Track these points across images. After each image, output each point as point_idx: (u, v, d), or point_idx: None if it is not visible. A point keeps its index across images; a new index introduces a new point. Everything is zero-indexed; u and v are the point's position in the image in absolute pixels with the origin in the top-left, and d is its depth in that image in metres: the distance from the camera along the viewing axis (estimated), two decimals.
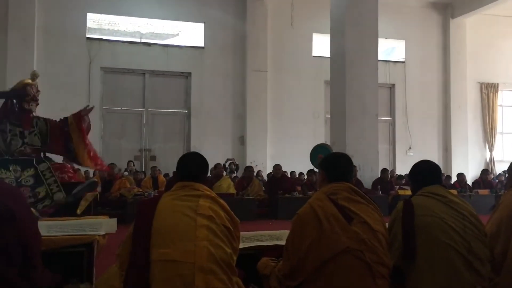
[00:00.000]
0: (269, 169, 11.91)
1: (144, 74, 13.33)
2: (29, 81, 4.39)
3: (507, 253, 2.54)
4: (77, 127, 4.44)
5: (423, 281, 2.36)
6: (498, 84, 15.48)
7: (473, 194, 10.10)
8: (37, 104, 4.44)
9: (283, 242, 2.45)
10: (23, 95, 4.35)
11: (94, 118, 12.56)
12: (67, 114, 12.05)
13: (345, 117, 10.23)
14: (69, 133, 4.46)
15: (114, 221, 2.94)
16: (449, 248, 2.35)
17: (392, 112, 15.06)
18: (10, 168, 4.01)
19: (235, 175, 11.71)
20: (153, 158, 12.96)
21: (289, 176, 11.43)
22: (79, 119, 4.49)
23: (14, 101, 4.49)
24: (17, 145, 4.24)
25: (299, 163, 11.88)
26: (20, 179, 4.06)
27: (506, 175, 5.75)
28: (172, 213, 2.15)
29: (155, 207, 2.18)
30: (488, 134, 15.36)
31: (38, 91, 4.48)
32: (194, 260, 2.02)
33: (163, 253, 2.04)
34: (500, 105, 15.74)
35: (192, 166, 2.38)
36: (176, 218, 2.13)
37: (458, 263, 2.33)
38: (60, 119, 4.83)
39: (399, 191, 9.69)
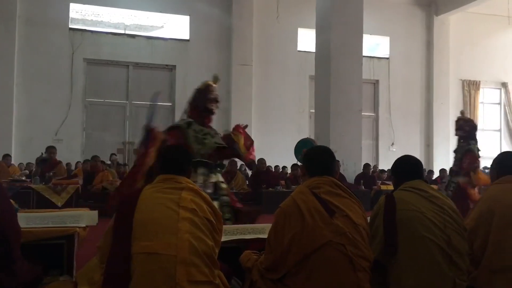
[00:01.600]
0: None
1: (128, 66, 13.19)
2: (211, 82, 4.21)
3: (486, 247, 2.59)
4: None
5: (404, 274, 2.39)
6: (479, 81, 15.70)
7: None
8: (217, 107, 4.19)
9: (266, 235, 2.45)
10: (206, 94, 4.13)
11: (76, 110, 12.50)
12: (49, 105, 12.01)
13: (329, 112, 10.28)
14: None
15: (95, 213, 2.91)
16: (429, 242, 2.38)
17: (375, 108, 15.18)
18: (198, 171, 3.67)
19: None
20: (137, 151, 12.85)
21: (273, 170, 11.45)
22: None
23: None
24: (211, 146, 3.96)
25: (283, 157, 11.91)
26: (206, 182, 3.72)
27: (488, 171, 5.86)
28: (154, 205, 2.13)
29: (137, 199, 2.16)
30: None
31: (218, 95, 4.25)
32: (176, 252, 2.01)
33: (144, 245, 2.03)
34: (482, 102, 15.96)
35: (174, 158, 2.36)
36: (158, 211, 2.11)
37: (438, 256, 2.36)
38: None
39: (381, 186, 9.79)
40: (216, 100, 4.14)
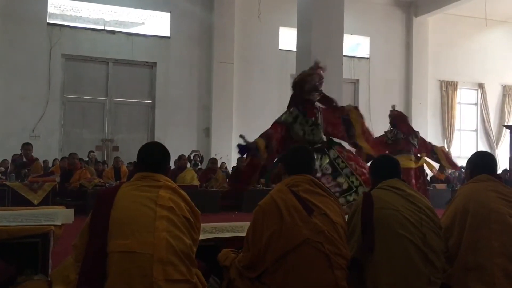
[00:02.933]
0: (234, 161, 11.90)
1: (108, 62, 13.02)
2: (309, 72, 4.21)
3: (460, 245, 2.63)
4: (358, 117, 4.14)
5: (380, 272, 2.42)
6: (457, 82, 15.96)
7: (431, 188, 10.39)
8: (320, 95, 4.15)
9: (244, 234, 2.45)
10: (303, 86, 4.15)
11: (54, 106, 12.30)
12: (26, 102, 11.80)
13: None
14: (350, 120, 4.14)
15: (71, 211, 2.86)
16: (405, 240, 2.41)
17: None
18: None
19: (199, 167, 11.65)
20: (116, 148, 12.72)
21: None
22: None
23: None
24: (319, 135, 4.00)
25: None
26: (321, 166, 3.81)
27: (463, 171, 6.04)
28: (131, 203, 2.11)
29: (114, 197, 2.13)
30: (447, 130, 15.84)
31: (321, 80, 4.18)
32: (153, 251, 1.99)
33: (121, 244, 2.01)
34: (459, 103, 16.22)
35: (153, 156, 2.34)
36: (135, 209, 2.09)
37: (414, 255, 2.39)
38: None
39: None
40: (315, 89, 4.16)
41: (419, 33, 15.44)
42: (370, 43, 15.34)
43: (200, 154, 12.37)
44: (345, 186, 3.71)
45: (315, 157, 3.72)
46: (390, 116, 7.19)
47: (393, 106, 7.26)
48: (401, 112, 7.26)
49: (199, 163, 11.96)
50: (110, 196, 2.14)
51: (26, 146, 8.74)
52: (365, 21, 14.85)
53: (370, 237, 2.47)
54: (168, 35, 13.42)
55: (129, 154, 11.68)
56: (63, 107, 12.61)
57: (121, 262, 1.98)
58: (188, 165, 10.22)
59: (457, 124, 16.07)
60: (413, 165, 6.41)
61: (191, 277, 2.09)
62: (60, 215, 2.79)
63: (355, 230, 2.55)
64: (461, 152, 15.80)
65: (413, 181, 6.33)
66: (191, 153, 11.84)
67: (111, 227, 2.06)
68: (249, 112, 13.72)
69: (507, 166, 10.43)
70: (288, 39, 13.95)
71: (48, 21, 12.39)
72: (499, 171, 11.33)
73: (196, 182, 8.99)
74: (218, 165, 10.50)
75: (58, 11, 12.77)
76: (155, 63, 13.30)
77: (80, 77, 12.77)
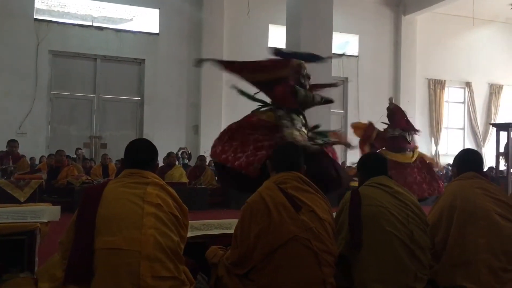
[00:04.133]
0: None
1: (96, 59, 12.92)
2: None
3: (447, 242, 2.66)
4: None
5: (368, 268, 2.43)
6: (445, 80, 16.10)
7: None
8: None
9: (232, 231, 2.45)
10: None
11: (41, 103, 12.17)
12: (13, 98, 11.65)
13: None
14: None
15: (57, 208, 2.84)
16: (393, 237, 2.43)
17: (344, 105, 15.36)
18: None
19: (187, 163, 11.61)
20: (104, 145, 12.63)
21: None
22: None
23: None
24: None
25: None
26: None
27: (450, 168, 6.10)
28: (118, 200, 2.10)
29: (101, 194, 2.12)
30: (434, 128, 15.98)
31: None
32: (140, 248, 1.98)
33: (108, 241, 1.99)
34: (446, 101, 16.37)
35: (140, 153, 2.32)
36: (123, 206, 2.08)
37: (401, 251, 2.42)
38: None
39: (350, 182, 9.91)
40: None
41: (408, 31, 15.53)
42: (359, 41, 15.40)
43: (188, 151, 12.32)
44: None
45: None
46: (388, 109, 7.21)
47: (391, 99, 7.26)
48: (398, 107, 7.23)
49: (187, 160, 11.93)
50: (97, 193, 2.13)
51: (12, 143, 8.63)
52: (354, 19, 14.90)
53: (358, 234, 2.49)
54: (157, 31, 13.35)
55: (117, 151, 11.60)
56: (50, 103, 12.49)
57: (108, 259, 1.97)
58: (177, 162, 10.18)
59: (444, 122, 16.21)
60: (410, 160, 6.45)
61: (179, 274, 2.08)
62: (46, 212, 2.76)
63: (342, 227, 2.57)
64: (448, 150, 15.96)
65: (416, 175, 6.35)
66: (178, 151, 11.79)
67: (98, 224, 2.04)
68: (238, 110, 13.59)
69: (493, 164, 10.55)
70: (277, 36, 13.95)
71: (35, 17, 12.25)
72: (485, 169, 11.47)
73: (184, 180, 8.96)
74: (207, 163, 10.48)
75: (46, 7, 12.63)
76: (143, 60, 13.23)
77: (68, 73, 12.65)
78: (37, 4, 12.40)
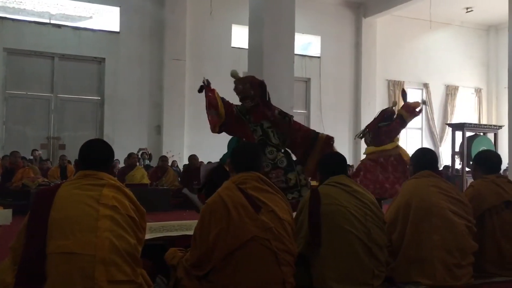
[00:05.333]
0: (186, 159, 11.77)
1: (53, 57, 12.53)
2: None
3: (403, 239, 2.72)
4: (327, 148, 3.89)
5: (326, 267, 2.46)
6: (403, 82, 16.50)
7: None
8: (252, 101, 3.96)
9: (192, 232, 2.42)
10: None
11: None
12: None
13: None
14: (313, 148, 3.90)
15: (9, 212, 2.73)
16: (351, 235, 2.46)
17: (307, 106, 15.51)
18: (266, 151, 3.73)
19: (149, 164, 11.44)
20: (62, 146, 12.27)
21: None
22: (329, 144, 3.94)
23: None
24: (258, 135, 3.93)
25: (215, 154, 11.82)
26: (276, 159, 3.76)
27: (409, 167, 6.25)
28: (72, 203, 2.03)
29: (53, 196, 2.05)
30: None
31: (244, 88, 4.01)
32: (94, 252, 1.93)
33: (61, 245, 1.93)
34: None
35: (95, 153, 2.26)
36: (76, 208, 2.02)
37: (358, 249, 2.45)
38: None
39: (311, 181, 10.01)
40: (241, 95, 4.13)
41: (368, 33, 15.84)
42: (321, 43, 15.58)
43: (148, 151, 12.14)
44: (292, 183, 3.76)
45: (270, 150, 3.77)
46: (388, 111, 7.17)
47: (394, 103, 7.80)
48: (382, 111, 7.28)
49: (149, 161, 11.75)
50: (50, 195, 2.05)
51: None
52: (316, 21, 15.07)
53: (317, 233, 2.51)
54: (118, 30, 13.08)
55: (76, 153, 11.17)
56: (5, 103, 12.03)
57: (61, 263, 1.91)
58: (138, 163, 10.00)
59: None
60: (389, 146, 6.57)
61: (136, 278, 2.04)
62: None
63: (302, 226, 2.59)
64: (406, 149, 16.31)
65: (390, 168, 6.45)
66: (138, 151, 11.59)
67: (50, 227, 1.97)
68: (201, 110, 13.49)
69: (449, 163, 10.89)
70: (240, 36, 13.94)
71: None
72: (441, 168, 11.83)
73: (146, 181, 8.82)
74: (170, 163, 10.36)
75: (0, 3, 12.16)
76: (103, 59, 12.93)
77: (24, 72, 12.22)
78: None
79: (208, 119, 4.01)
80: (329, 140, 4.07)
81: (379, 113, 7.20)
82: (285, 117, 4.06)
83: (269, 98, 4.21)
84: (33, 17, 12.33)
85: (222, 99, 4.11)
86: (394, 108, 7.37)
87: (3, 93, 11.93)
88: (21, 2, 12.34)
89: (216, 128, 3.93)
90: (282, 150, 3.97)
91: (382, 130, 6.71)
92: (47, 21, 12.41)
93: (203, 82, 4.27)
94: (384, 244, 2.57)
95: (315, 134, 4.12)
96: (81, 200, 2.04)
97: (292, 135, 4.04)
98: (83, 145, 2.30)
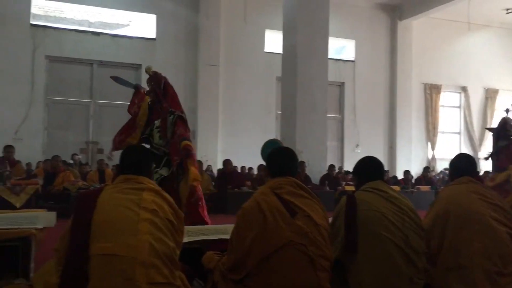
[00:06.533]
0: (220, 164, 11.87)
1: (92, 64, 12.91)
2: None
3: (442, 246, 2.66)
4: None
5: (363, 273, 2.43)
6: (441, 85, 16.16)
7: (415, 190, 10.50)
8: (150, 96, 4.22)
9: (228, 236, 2.44)
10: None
11: (37, 108, 12.15)
12: (9, 103, 11.62)
13: (296, 113, 10.35)
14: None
15: (52, 214, 2.82)
16: (388, 241, 2.43)
17: (341, 110, 15.39)
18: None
19: None
20: (100, 151, 12.59)
21: (239, 171, 11.45)
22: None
23: None
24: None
25: (249, 158, 11.91)
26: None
27: (448, 172, 6.05)
28: (113, 206, 2.09)
29: (96, 200, 2.11)
30: (431, 133, 16.02)
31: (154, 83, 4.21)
32: (135, 254, 1.97)
33: (103, 247, 1.99)
34: (442, 106, 16.42)
35: (136, 159, 2.32)
36: (118, 212, 2.07)
37: (396, 256, 2.42)
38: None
39: (346, 187, 9.93)
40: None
41: (404, 36, 15.60)
42: (356, 46, 15.45)
43: None
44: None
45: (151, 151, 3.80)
46: None
47: (507, 111, 7.18)
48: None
49: None
50: (92, 198, 2.12)
51: (8, 149, 8.61)
52: (350, 25, 14.96)
53: (353, 239, 2.49)
54: (154, 37, 13.37)
55: (113, 157, 11.58)
56: (46, 109, 12.46)
57: (103, 265, 1.96)
58: None
59: (440, 127, 16.25)
60: None
61: (174, 280, 2.08)
62: (42, 219, 2.75)
63: (338, 232, 2.57)
64: (445, 154, 15.99)
65: None
66: None
67: (93, 230, 2.04)
68: (235, 115, 13.73)
69: (490, 168, 10.58)
70: (274, 41, 13.99)
71: (31, 22, 12.25)
72: (481, 173, 11.49)
73: None
74: (204, 168, 10.47)
75: (42, 12, 12.63)
76: (140, 65, 13.21)
77: (64, 79, 12.64)
78: (34, 10, 12.40)
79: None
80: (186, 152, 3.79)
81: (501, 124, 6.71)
82: (172, 115, 4.03)
83: (168, 94, 4.23)
84: (73, 25, 12.75)
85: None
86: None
87: (45, 99, 12.36)
88: (62, 11, 12.78)
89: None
90: (163, 152, 3.91)
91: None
92: (86, 29, 12.80)
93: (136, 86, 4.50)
94: (422, 251, 2.52)
95: (180, 141, 3.89)
96: (122, 203, 2.10)
97: (172, 138, 3.95)
98: (124, 150, 2.37)
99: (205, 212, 3.98)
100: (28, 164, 10.75)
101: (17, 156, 9.17)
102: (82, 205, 2.12)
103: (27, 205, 7.29)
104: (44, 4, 12.62)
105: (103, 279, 1.95)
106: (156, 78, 4.16)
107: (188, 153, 3.80)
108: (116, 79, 4.71)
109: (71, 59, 12.62)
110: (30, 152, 11.63)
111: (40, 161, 10.94)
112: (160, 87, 4.10)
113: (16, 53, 11.91)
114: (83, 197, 2.22)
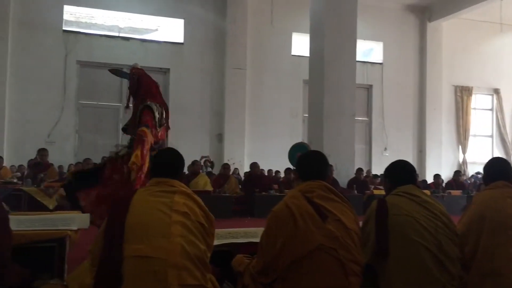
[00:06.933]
0: (247, 167, 11.91)
1: (122, 69, 13.12)
2: None
3: (477, 252, 2.60)
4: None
5: (394, 279, 2.40)
6: (472, 87, 15.81)
7: (446, 194, 10.29)
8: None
9: (258, 239, 2.44)
10: None
11: (69, 112, 12.45)
12: (42, 107, 11.95)
13: (323, 117, 10.29)
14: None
15: (87, 216, 2.89)
16: (420, 246, 2.38)
17: (369, 113, 15.24)
18: None
19: (210, 170, 11.68)
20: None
21: (266, 174, 11.45)
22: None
23: None
24: None
25: (276, 162, 11.92)
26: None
27: (480, 176, 5.92)
28: (146, 209, 2.13)
29: (129, 202, 2.15)
30: (462, 136, 15.68)
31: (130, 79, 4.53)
32: (167, 256, 2.00)
33: (136, 249, 2.02)
34: (474, 108, 16.07)
35: (167, 162, 2.36)
36: (151, 214, 2.11)
37: (429, 261, 2.37)
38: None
39: (374, 190, 9.81)
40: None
41: (433, 38, 15.34)
42: (384, 48, 15.29)
43: (210, 159, 12.40)
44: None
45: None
46: None
47: None
48: None
49: (211, 169, 12.00)
50: (126, 201, 2.16)
51: (42, 152, 8.84)
52: (378, 27, 14.81)
53: (384, 244, 2.45)
54: (182, 41, 13.53)
55: None
56: (77, 113, 12.76)
57: (136, 266, 2.00)
58: (201, 170, 10.24)
59: (472, 130, 15.89)
60: None
61: (205, 283, 2.09)
62: (76, 220, 2.81)
63: (369, 236, 2.54)
64: (476, 158, 15.63)
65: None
66: (201, 159, 11.87)
67: (126, 232, 2.07)
68: (261, 118, 13.75)
69: None
70: (300, 44, 13.97)
71: (63, 28, 12.57)
72: None
73: (209, 188, 9.01)
74: (231, 171, 10.52)
75: (74, 18, 12.96)
76: (168, 69, 13.41)
77: (95, 83, 12.92)
78: (66, 16, 12.73)
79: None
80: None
81: None
82: (142, 105, 4.23)
83: (141, 86, 4.40)
84: (103, 31, 13.01)
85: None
86: None
87: (76, 103, 12.65)
88: (92, 17, 13.07)
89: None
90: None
91: None
92: (116, 34, 13.04)
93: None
94: (457, 257, 2.47)
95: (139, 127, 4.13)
96: (155, 206, 2.13)
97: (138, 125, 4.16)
98: (156, 154, 2.41)
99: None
100: (60, 167, 11.01)
101: (49, 159, 9.41)
102: (116, 207, 2.17)
103: (60, 207, 7.46)
104: (75, 11, 12.94)
105: (136, 280, 1.99)
106: (131, 73, 4.43)
107: (139, 138, 3.98)
108: (115, 72, 4.90)
109: (101, 63, 12.88)
110: (62, 155, 11.92)
111: (71, 164, 11.20)
112: (132, 80, 4.36)
113: (49, 59, 12.25)
114: (117, 200, 2.27)
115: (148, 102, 4.22)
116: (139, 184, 3.76)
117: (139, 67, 4.65)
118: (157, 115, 4.18)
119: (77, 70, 12.72)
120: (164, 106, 4.39)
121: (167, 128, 4.49)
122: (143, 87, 4.40)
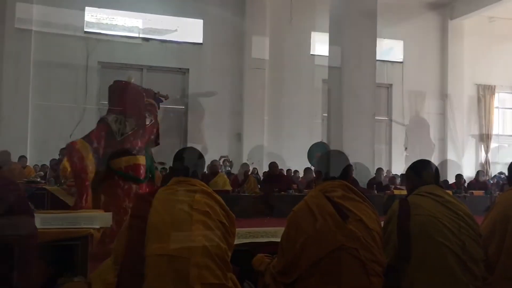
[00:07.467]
0: (266, 167, 11.90)
1: (142, 69, 13.28)
2: None
3: (501, 253, 2.56)
4: None
5: (417, 280, 2.37)
6: (495, 86, 15.52)
7: (468, 195, 10.12)
8: None
9: (278, 239, 2.44)
10: None
11: (91, 112, 12.60)
12: (64, 108, 12.12)
13: (342, 116, 10.22)
14: None
15: (109, 215, 2.93)
16: (443, 247, 2.35)
17: (389, 112, 15.08)
18: None
19: (229, 170, 11.71)
20: None
21: (285, 174, 11.42)
22: None
23: None
24: None
25: (295, 161, 11.87)
26: None
27: (503, 176, 5.82)
28: (167, 208, 2.15)
29: (151, 202, 2.17)
30: (484, 135, 15.40)
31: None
32: (189, 255, 2.01)
33: (158, 247, 2.04)
34: (497, 107, 15.77)
35: (188, 161, 2.37)
36: (171, 213, 2.13)
37: (452, 262, 2.34)
38: None
39: (394, 190, 9.70)
40: None
41: (455, 36, 15.10)
42: (404, 47, 15.11)
43: (229, 159, 12.42)
44: None
45: None
46: None
47: None
48: None
49: (229, 168, 12.03)
50: (147, 200, 2.18)
51: (65, 151, 8.95)
52: (398, 25, 14.63)
53: (407, 244, 2.43)
54: (201, 41, 13.59)
55: (161, 159, 11.83)
56: (99, 113, 12.89)
57: (158, 265, 2.02)
58: (220, 170, 10.28)
59: (495, 129, 15.59)
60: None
61: (226, 281, 2.10)
62: (99, 219, 2.86)
63: (391, 236, 2.51)
64: (499, 157, 15.32)
65: None
66: (220, 159, 11.90)
67: (148, 230, 2.09)
68: (280, 117, 13.73)
69: None
70: (320, 44, 13.89)
71: (85, 30, 12.75)
72: None
73: (228, 187, 9.03)
74: (250, 170, 10.52)
75: (95, 20, 13.13)
76: (187, 69, 13.48)
77: None
78: (87, 18, 12.91)
79: None
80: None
81: None
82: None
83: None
84: (123, 32, 13.15)
85: None
86: None
87: (98, 104, 12.80)
88: (113, 18, 13.22)
89: None
90: None
91: None
92: (136, 35, 13.17)
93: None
94: (480, 258, 2.43)
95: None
96: (176, 205, 2.15)
97: None
98: (177, 153, 2.42)
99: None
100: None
101: None
102: (138, 207, 2.19)
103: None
104: (97, 12, 13.11)
105: (158, 278, 2.01)
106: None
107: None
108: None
109: (121, 64, 13.02)
110: None
111: None
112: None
113: (71, 60, 12.43)
114: (139, 199, 2.29)
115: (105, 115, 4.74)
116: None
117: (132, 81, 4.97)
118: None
119: (99, 71, 12.88)
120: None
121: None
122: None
